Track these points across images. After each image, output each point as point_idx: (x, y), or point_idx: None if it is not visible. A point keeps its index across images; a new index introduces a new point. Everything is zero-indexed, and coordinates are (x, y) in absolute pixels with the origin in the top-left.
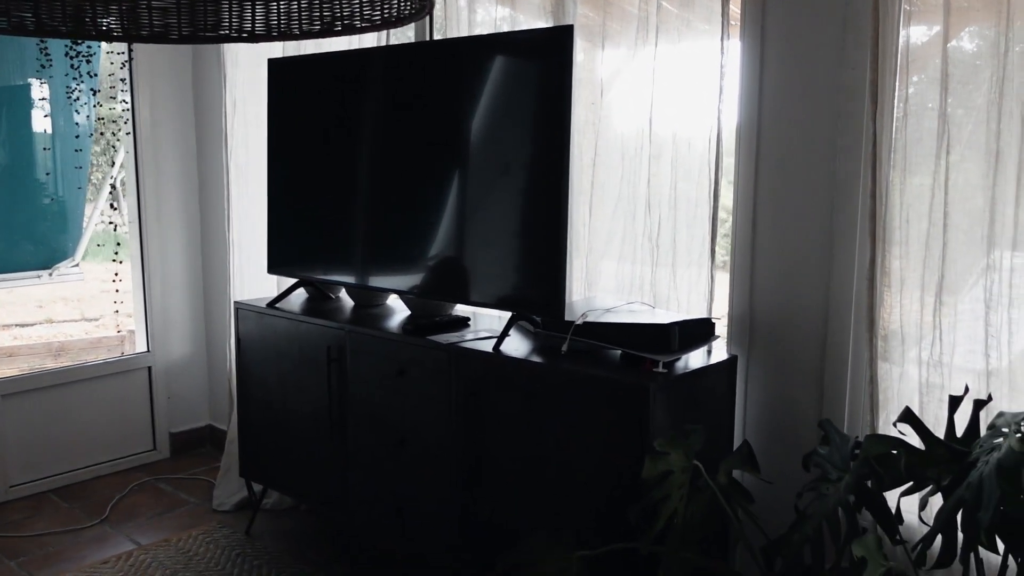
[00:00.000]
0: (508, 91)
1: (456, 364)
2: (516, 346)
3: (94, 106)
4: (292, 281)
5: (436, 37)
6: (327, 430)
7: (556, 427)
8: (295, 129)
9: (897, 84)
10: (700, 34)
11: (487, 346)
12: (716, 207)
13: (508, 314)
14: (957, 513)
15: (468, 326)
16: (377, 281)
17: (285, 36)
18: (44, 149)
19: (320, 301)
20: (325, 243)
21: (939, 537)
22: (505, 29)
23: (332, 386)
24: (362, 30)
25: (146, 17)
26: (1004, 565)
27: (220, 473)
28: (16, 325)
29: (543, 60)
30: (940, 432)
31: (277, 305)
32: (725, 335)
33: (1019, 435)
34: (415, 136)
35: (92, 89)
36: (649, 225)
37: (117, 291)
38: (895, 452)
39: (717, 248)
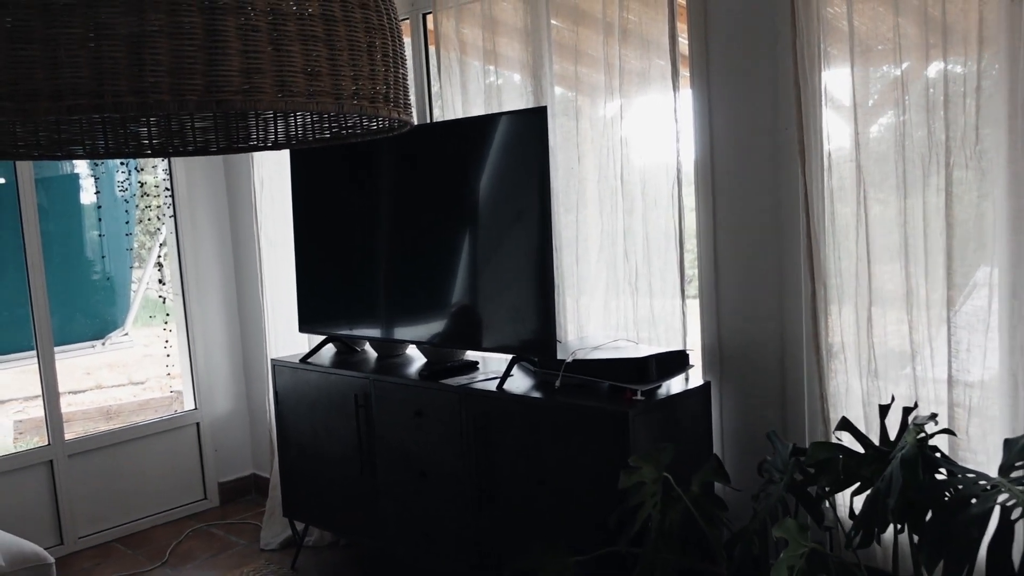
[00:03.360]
0: (500, 161)
1: (465, 403)
2: (518, 384)
3: (140, 195)
4: (321, 338)
5: (433, 88)
6: (358, 469)
7: (553, 452)
8: (317, 203)
9: (824, 142)
10: (660, 90)
11: (492, 386)
12: (682, 253)
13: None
14: (877, 502)
15: (477, 369)
16: (395, 334)
17: (302, 144)
18: (94, 232)
19: (347, 354)
20: (348, 303)
21: None
22: (495, 84)
23: (361, 429)
24: (362, 137)
25: (191, 136)
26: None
27: (265, 516)
28: (69, 392)
29: (526, 135)
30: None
31: (309, 360)
32: (701, 364)
33: (920, 435)
34: (420, 207)
35: (136, 168)
36: (628, 270)
37: (168, 356)
38: (841, 456)
39: (688, 286)
